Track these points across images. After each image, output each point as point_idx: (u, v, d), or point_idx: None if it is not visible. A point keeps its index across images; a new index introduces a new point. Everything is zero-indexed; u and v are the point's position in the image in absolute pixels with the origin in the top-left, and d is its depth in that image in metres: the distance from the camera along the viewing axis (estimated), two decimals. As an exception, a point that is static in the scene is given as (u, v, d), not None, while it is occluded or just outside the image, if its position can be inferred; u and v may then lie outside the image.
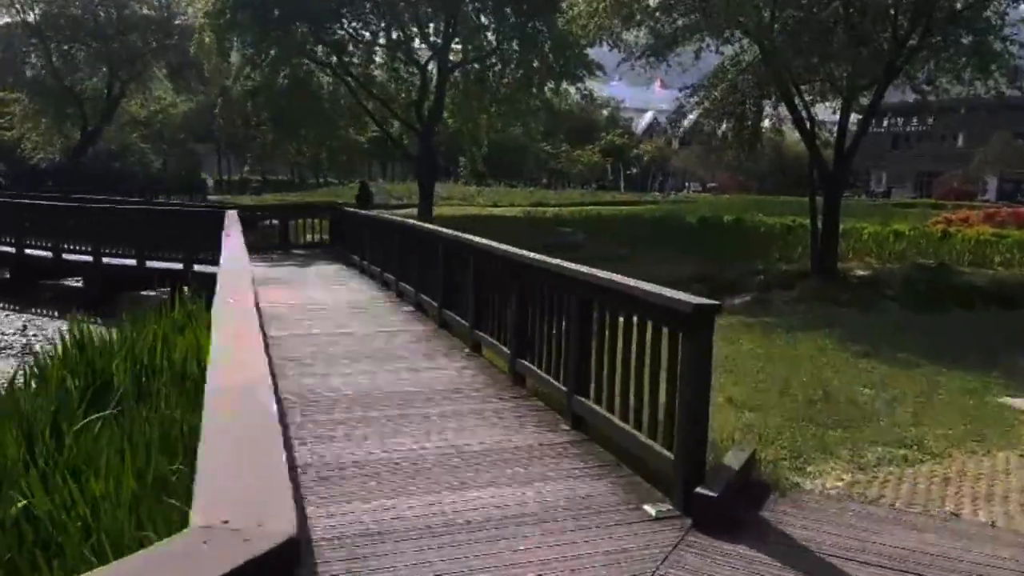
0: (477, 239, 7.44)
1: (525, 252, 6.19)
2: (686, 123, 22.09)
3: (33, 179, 38.49)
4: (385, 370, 6.74)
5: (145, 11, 34.51)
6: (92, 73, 37.23)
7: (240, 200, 42.99)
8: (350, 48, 27.86)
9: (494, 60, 27.94)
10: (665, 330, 4.15)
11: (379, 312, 9.76)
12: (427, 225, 9.67)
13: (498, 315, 6.81)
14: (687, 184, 69.91)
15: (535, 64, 27.45)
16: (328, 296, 11.08)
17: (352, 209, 16.95)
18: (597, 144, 67.32)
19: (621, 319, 4.69)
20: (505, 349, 6.51)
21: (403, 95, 29.66)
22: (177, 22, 35.70)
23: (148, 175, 54.05)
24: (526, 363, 6.08)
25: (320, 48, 26.77)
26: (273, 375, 6.57)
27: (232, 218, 11.20)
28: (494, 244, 6.89)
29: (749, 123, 18.00)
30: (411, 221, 10.64)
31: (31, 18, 33.77)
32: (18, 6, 33.27)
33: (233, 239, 7.59)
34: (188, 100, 49.24)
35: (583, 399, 5.07)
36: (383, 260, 12.09)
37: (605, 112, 75.07)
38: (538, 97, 29.17)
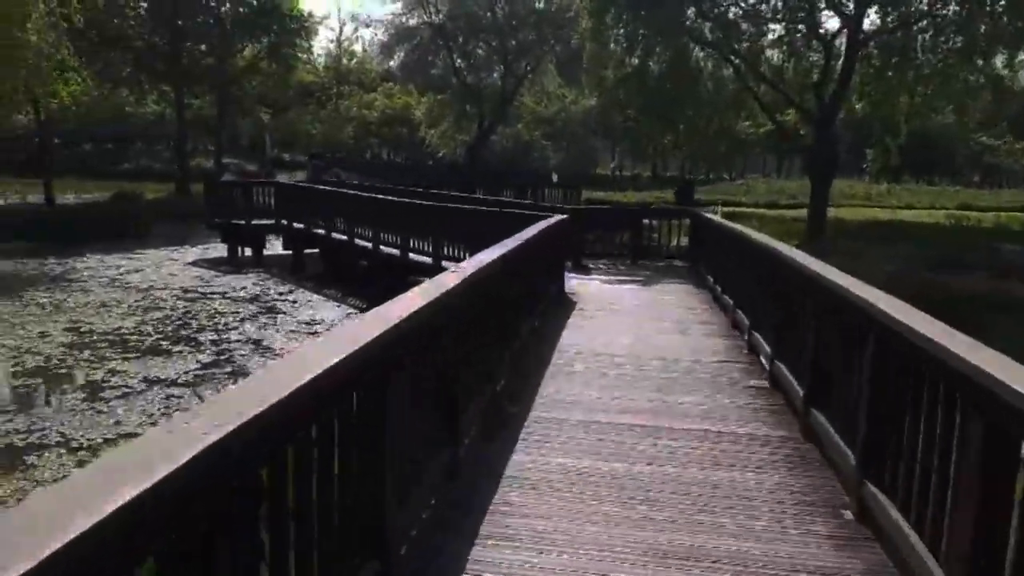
0: (879, 297, 3.78)
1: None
2: None
3: (450, 173, 41.25)
4: (675, 546, 3.55)
5: (537, 4, 34.46)
6: (489, 70, 38.61)
7: (625, 197, 41.87)
8: (742, 25, 24.26)
9: (924, 25, 22.14)
10: None
11: (708, 380, 6.42)
12: (791, 252, 6.08)
13: (915, 460, 3.18)
14: None
15: (982, 28, 21.13)
16: (648, 341, 8.00)
17: (713, 216, 13.52)
18: (1056, 133, 53.83)
19: None
20: (930, 563, 2.89)
21: (800, 76, 25.20)
22: (569, 15, 35.21)
23: (547, 170, 55.88)
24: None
25: (706, 25, 23.64)
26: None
27: (540, 226, 8.76)
28: (911, 318, 3.24)
29: None
30: (772, 243, 7.04)
31: (436, 19, 35.79)
32: (426, 7, 35.43)
33: (480, 255, 5.04)
34: (585, 96, 49.60)
35: None
36: (734, 290, 8.71)
37: (1069, 93, 59.93)
38: (982, 71, 22.59)
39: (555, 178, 35.21)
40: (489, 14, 34.87)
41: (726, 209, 31.72)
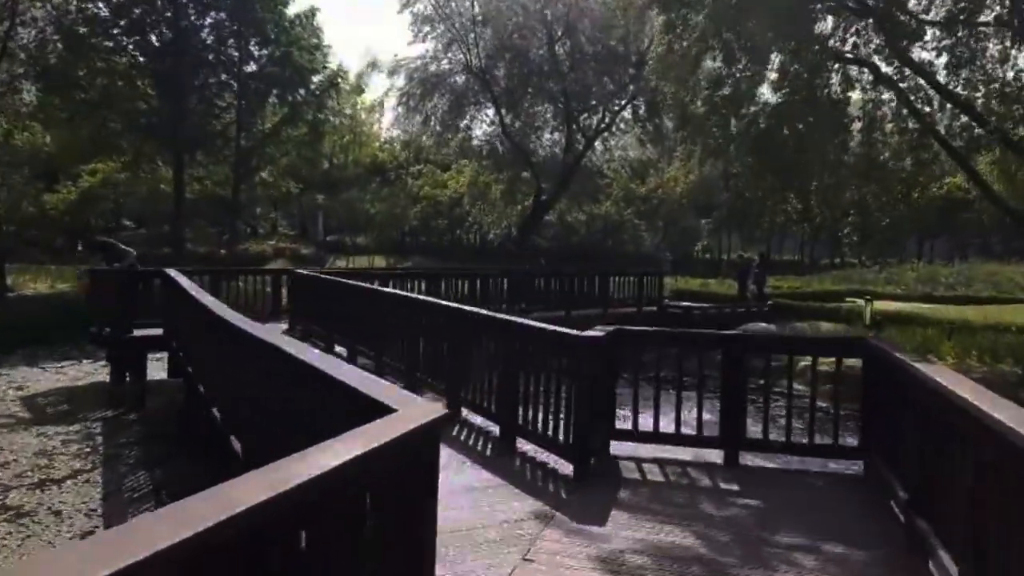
0: None
1: None
2: None
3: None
4: None
5: (610, 41, 26.33)
6: (547, 126, 30.77)
7: (722, 287, 32.24)
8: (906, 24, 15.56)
9: None
10: None
11: None
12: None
13: None
14: None
15: None
16: None
17: (900, 355, 4.62)
18: None
19: None
20: None
21: (1000, 108, 16.18)
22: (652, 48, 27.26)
23: (639, 253, 47.93)
24: None
25: (851, 29, 15.15)
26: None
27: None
28: None
29: None
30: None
31: (476, 61, 28.07)
32: (464, 44, 27.72)
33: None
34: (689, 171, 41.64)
35: None
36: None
37: None
38: None
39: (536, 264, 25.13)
40: (544, 51, 26.73)
41: (878, 305, 22.45)
